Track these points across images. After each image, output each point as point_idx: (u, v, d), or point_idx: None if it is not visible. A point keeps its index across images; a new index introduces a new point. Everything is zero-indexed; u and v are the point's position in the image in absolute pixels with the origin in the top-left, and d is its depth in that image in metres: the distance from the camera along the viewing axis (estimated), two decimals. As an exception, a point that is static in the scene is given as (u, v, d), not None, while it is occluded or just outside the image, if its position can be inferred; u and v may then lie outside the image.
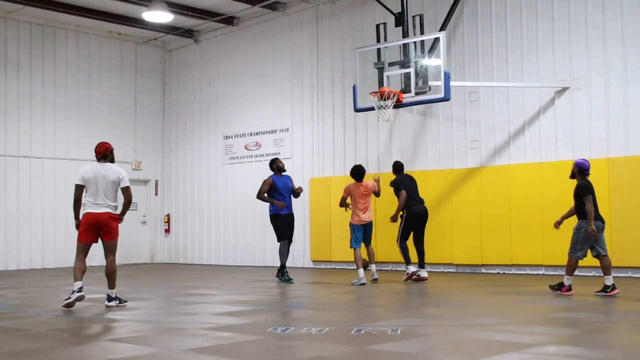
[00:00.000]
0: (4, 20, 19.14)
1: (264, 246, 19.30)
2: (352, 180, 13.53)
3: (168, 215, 21.83)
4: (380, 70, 14.34)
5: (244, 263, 19.70)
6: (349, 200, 13.46)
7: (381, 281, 13.50)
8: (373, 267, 13.47)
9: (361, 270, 13.00)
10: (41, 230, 19.29)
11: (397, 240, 13.59)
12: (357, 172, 13.46)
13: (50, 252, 19.39)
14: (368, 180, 13.59)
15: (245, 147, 20.00)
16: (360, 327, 7.41)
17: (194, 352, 6.17)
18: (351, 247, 13.39)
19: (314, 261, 18.04)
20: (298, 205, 18.46)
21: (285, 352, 6.17)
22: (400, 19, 15.03)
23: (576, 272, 13.86)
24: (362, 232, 13.31)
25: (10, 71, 19.15)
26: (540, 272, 14.34)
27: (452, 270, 15.57)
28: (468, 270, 15.31)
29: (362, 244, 13.38)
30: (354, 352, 6.12)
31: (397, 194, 13.61)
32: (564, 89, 14.32)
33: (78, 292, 9.23)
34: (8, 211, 18.80)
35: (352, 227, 13.34)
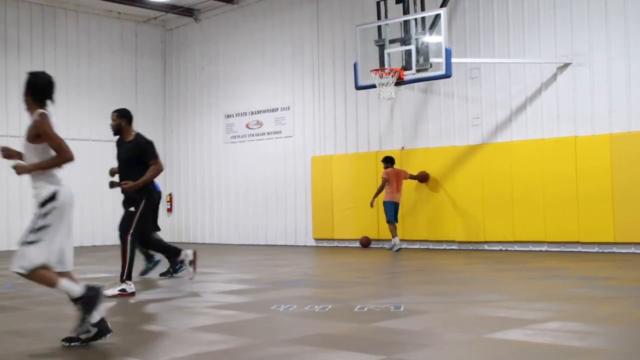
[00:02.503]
0: (3, 1, 19.05)
1: (267, 225, 19.32)
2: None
3: (170, 195, 21.84)
4: (381, 48, 14.28)
5: (246, 242, 19.73)
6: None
7: (382, 259, 13.53)
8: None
9: (397, 239, 15.19)
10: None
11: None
12: (392, 160, 15.63)
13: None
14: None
15: (247, 126, 19.96)
16: (363, 304, 7.42)
17: (199, 330, 6.19)
18: (390, 221, 15.27)
19: (316, 239, 18.06)
20: (300, 183, 18.50)
21: (289, 330, 6.19)
22: (401, -4, 14.94)
23: (578, 249, 13.94)
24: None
25: (10, 52, 19.09)
26: (543, 248, 14.35)
27: (454, 247, 15.58)
28: (470, 248, 15.32)
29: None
30: (357, 329, 6.13)
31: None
32: (566, 65, 14.25)
33: None
34: (10, 191, 18.83)
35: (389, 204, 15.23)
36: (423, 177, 15.91)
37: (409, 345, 5.40)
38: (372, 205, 15.35)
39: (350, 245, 17.03)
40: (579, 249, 13.93)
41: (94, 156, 20.26)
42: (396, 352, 5.15)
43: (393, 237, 15.21)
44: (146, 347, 5.54)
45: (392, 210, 15.25)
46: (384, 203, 15.30)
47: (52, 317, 7.12)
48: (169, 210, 21.85)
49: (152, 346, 5.55)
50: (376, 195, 15.32)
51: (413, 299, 7.92)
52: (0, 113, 19.06)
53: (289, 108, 19.00)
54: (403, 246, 15.48)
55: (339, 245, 17.50)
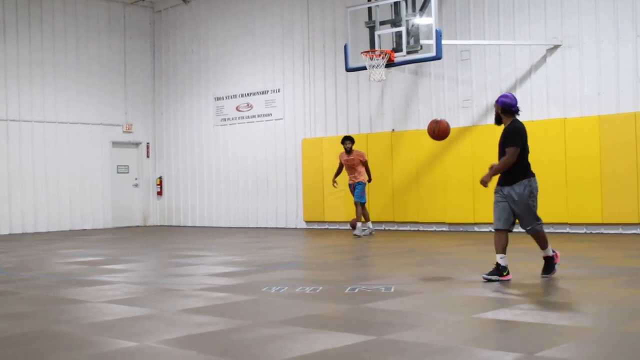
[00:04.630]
0: (-11, -18, 18.90)
1: (257, 207, 19.33)
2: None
3: (160, 178, 21.80)
4: (372, 30, 14.25)
5: (237, 224, 19.74)
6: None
7: (372, 241, 13.58)
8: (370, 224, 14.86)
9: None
10: (33, 194, 19.25)
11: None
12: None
13: (43, 215, 19.38)
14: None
15: (237, 109, 19.91)
16: (354, 285, 7.46)
17: (189, 312, 6.21)
18: (363, 202, 14.64)
19: (307, 222, 18.09)
20: (291, 166, 18.50)
21: (279, 312, 6.22)
22: (391, -23, 14.89)
23: (566, 229, 14.01)
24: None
25: (-3, 34, 18.96)
26: (532, 229, 14.41)
27: (444, 229, 15.65)
28: (460, 229, 15.39)
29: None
30: (348, 310, 6.17)
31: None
32: (556, 47, 14.27)
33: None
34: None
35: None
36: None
37: (399, 326, 5.44)
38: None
39: (340, 228, 17.06)
40: (567, 229, 14.01)
41: (83, 140, 20.20)
42: (387, 332, 5.19)
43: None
44: (136, 329, 5.55)
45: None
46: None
47: (41, 301, 7.12)
48: (159, 193, 21.82)
49: (142, 328, 5.56)
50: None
51: (404, 280, 7.97)
52: (1, 98, 18.94)
53: (279, 90, 18.96)
54: (375, 229, 15.25)
55: (330, 227, 17.55)
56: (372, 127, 17.00)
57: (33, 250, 13.46)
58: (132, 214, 21.49)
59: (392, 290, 7.12)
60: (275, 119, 18.99)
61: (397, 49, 13.91)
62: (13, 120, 19.07)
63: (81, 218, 20.09)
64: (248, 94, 19.66)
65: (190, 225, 20.90)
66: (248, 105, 19.63)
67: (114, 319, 5.98)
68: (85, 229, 19.87)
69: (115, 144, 20.97)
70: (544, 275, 7.77)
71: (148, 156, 21.89)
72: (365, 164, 14.65)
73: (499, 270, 7.55)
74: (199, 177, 20.97)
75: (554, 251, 7.89)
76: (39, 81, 19.58)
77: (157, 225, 21.56)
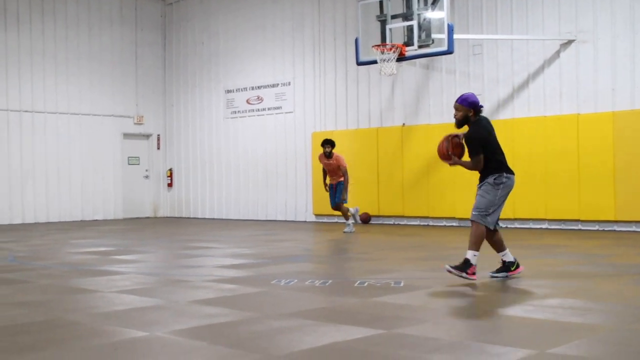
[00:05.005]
0: (2, -28, 18.95)
1: (267, 200, 19.34)
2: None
3: (170, 170, 21.84)
4: (383, 23, 14.21)
5: (246, 217, 19.75)
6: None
7: (382, 235, 13.56)
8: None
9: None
10: (45, 184, 19.32)
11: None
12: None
13: (54, 206, 19.46)
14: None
15: (247, 102, 19.91)
16: (363, 279, 7.46)
17: (199, 303, 6.22)
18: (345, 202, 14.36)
19: (316, 215, 18.09)
20: (301, 159, 18.49)
21: (288, 304, 6.22)
22: (403, -30, 14.84)
23: (578, 226, 13.96)
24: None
25: (10, 26, 18.99)
26: (544, 226, 14.38)
27: (454, 224, 15.61)
28: (470, 225, 15.31)
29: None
30: (357, 303, 6.16)
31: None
32: (570, 42, 14.19)
33: None
34: (12, 166, 18.82)
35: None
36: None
37: (409, 320, 5.43)
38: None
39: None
40: (580, 226, 13.96)
41: (95, 131, 20.25)
42: (396, 326, 5.18)
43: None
44: (146, 319, 5.56)
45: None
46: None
47: (53, 290, 7.15)
48: (169, 185, 21.86)
49: (152, 318, 5.57)
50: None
51: (413, 275, 7.96)
52: (14, 89, 18.97)
53: (289, 84, 18.94)
54: (385, 223, 15.35)
55: (339, 221, 17.52)
56: (382, 121, 16.97)
57: (45, 239, 13.52)
58: (142, 205, 21.54)
59: (402, 284, 7.11)
60: (286, 112, 18.98)
61: (409, 42, 13.87)
62: (26, 111, 19.12)
63: (92, 209, 20.15)
64: (258, 87, 19.65)
65: (200, 217, 20.94)
66: (258, 98, 19.63)
67: (125, 309, 5.99)
68: (96, 220, 19.93)
69: (126, 135, 21.01)
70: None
71: (159, 148, 21.92)
72: (344, 172, 14.08)
73: (506, 267, 7.44)
74: (209, 169, 21.00)
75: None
76: (52, 72, 19.62)
77: (167, 217, 21.61)
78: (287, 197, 18.84)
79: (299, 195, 18.60)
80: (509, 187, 7.36)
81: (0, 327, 5.36)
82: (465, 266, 7.13)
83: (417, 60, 15.70)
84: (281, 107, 19.03)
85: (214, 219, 20.40)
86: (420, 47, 13.79)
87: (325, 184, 14.53)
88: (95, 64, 20.51)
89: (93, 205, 20.18)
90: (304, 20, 18.64)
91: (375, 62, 14.05)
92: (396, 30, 14.11)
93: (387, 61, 13.77)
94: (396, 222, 16.39)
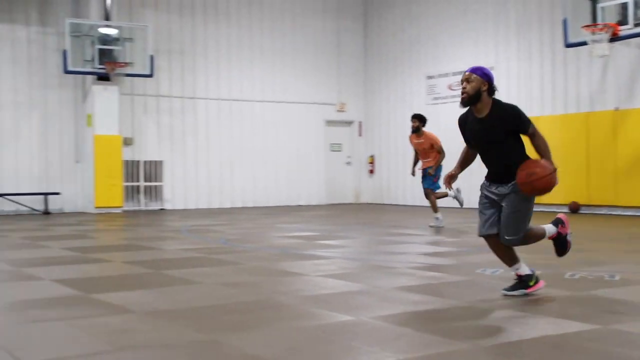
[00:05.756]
0: (214, -31, 20.02)
1: (470, 187, 19.01)
2: None
3: (372, 156, 22.07)
4: (594, 2, 13.52)
5: (447, 204, 19.54)
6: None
7: (593, 225, 12.93)
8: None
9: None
10: (252, 170, 20.24)
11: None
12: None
13: (261, 191, 20.33)
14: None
15: (449, 87, 19.67)
16: (574, 271, 7.13)
17: (403, 290, 6.22)
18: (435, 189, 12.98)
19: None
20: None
21: (495, 294, 6.05)
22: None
23: None
24: None
25: (220, 19, 20.02)
26: None
27: (672, 214, 14.57)
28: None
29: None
30: (568, 296, 5.90)
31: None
32: None
33: None
34: (222, 153, 19.90)
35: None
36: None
37: (626, 316, 5.11)
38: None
39: (557, 211, 16.39)
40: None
41: (299, 118, 20.88)
42: (612, 322, 4.89)
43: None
44: (351, 303, 5.63)
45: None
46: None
47: (262, 272, 7.43)
48: (371, 172, 22.11)
49: (357, 303, 5.63)
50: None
51: (629, 269, 7.49)
52: (225, 79, 20.05)
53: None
54: (594, 213, 14.52)
55: (545, 210, 16.89)
56: (592, 105, 16.12)
57: (253, 223, 14.14)
58: (344, 191, 21.97)
59: (617, 278, 6.72)
60: (489, 98, 18.55)
61: (623, 21, 13.09)
62: (235, 100, 20.11)
63: (297, 194, 20.84)
64: (460, 72, 19.29)
65: (401, 204, 20.99)
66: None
67: (330, 293, 6.11)
68: (300, 205, 20.58)
69: (329, 122, 21.49)
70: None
71: (360, 134, 22.22)
72: (440, 150, 12.96)
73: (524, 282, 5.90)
74: (409, 156, 20.95)
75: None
76: (259, 63, 20.47)
77: (368, 203, 21.87)
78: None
79: (502, 182, 18.15)
80: None
81: (214, 305, 5.66)
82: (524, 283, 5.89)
83: (632, 40, 14.74)
84: (484, 93, 18.66)
85: (415, 205, 20.37)
86: (636, 25, 12.98)
87: (414, 170, 13.49)
88: (299, 54, 21.13)
89: (297, 190, 20.85)
90: (506, 4, 18.09)
91: (585, 43, 13.44)
92: (608, 9, 13.35)
93: (599, 42, 13.08)
94: (609, 212, 15.55)
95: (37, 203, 17.91)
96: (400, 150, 21.24)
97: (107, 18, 17.91)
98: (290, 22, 21.04)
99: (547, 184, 5.53)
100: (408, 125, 20.83)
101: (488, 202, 5.82)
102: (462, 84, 5.76)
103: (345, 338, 4.57)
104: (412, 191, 20.77)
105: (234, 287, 6.52)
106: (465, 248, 9.42)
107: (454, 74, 19.50)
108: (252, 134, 20.32)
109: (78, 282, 6.83)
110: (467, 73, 5.75)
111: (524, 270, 5.88)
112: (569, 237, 6.13)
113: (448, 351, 4.21)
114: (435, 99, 20.08)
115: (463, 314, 5.20)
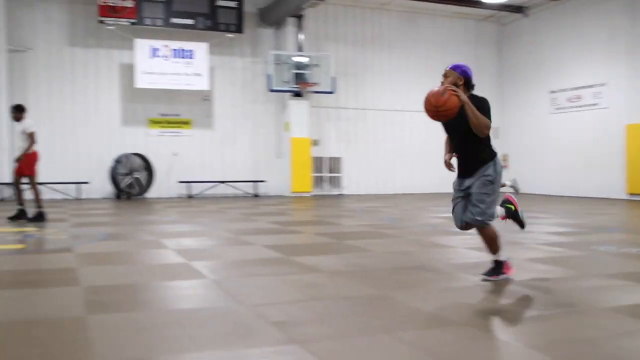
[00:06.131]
0: (379, 10, 20.09)
1: (584, 179, 17.99)
2: None
3: (506, 155, 21.34)
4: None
5: (568, 194, 18.60)
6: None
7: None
8: None
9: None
10: (410, 164, 20.28)
11: None
12: None
13: (417, 181, 20.30)
14: None
15: (568, 100, 18.71)
16: (678, 250, 6.63)
17: (532, 261, 6.07)
18: None
19: (630, 194, 16.40)
20: (615, 147, 16.87)
21: (609, 266, 5.77)
22: None
23: None
24: None
25: (384, 48, 20.11)
26: None
27: None
28: None
29: None
30: (673, 271, 5.52)
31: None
32: None
33: None
34: (386, 150, 20.12)
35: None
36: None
37: None
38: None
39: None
40: None
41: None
42: None
43: None
44: (482, 270, 5.56)
45: None
46: None
47: (418, 244, 7.46)
48: (504, 167, 21.40)
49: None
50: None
51: None
52: (387, 94, 20.17)
53: (604, 84, 17.36)
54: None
55: (651, 199, 15.71)
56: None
57: (411, 206, 14.13)
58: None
59: None
60: (601, 108, 17.44)
61: None
62: (396, 110, 20.08)
63: (445, 183, 20.53)
64: (577, 87, 18.30)
65: (535, 193, 20.18)
66: (577, 97, 18.30)
67: (474, 262, 6.05)
68: (439, 192, 20.29)
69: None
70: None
71: (497, 137, 21.52)
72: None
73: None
74: (538, 154, 20.16)
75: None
76: (413, 83, 20.29)
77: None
78: (602, 178, 17.34)
79: (613, 175, 17.01)
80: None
81: (383, 268, 5.74)
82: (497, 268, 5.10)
83: None
84: (597, 104, 17.55)
85: (543, 194, 19.53)
86: None
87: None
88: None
89: (446, 180, 20.51)
90: (616, 29, 16.89)
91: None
92: None
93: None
94: None
95: (249, 188, 18.85)
96: (528, 150, 20.44)
97: (300, 49, 18.52)
98: (438, 51, 20.72)
99: (433, 99, 4.86)
100: (535, 129, 20.09)
101: (459, 197, 5.06)
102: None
103: (487, 299, 4.56)
104: (540, 183, 19.91)
105: (398, 254, 6.58)
106: (582, 229, 8.97)
107: (572, 89, 18.48)
108: (408, 137, 20.29)
109: (280, 247, 7.01)
110: (446, 69, 5.03)
111: (502, 258, 5.09)
112: (520, 213, 5.42)
113: (566, 311, 4.11)
114: (557, 109, 19.13)
115: (582, 282, 5.00)
